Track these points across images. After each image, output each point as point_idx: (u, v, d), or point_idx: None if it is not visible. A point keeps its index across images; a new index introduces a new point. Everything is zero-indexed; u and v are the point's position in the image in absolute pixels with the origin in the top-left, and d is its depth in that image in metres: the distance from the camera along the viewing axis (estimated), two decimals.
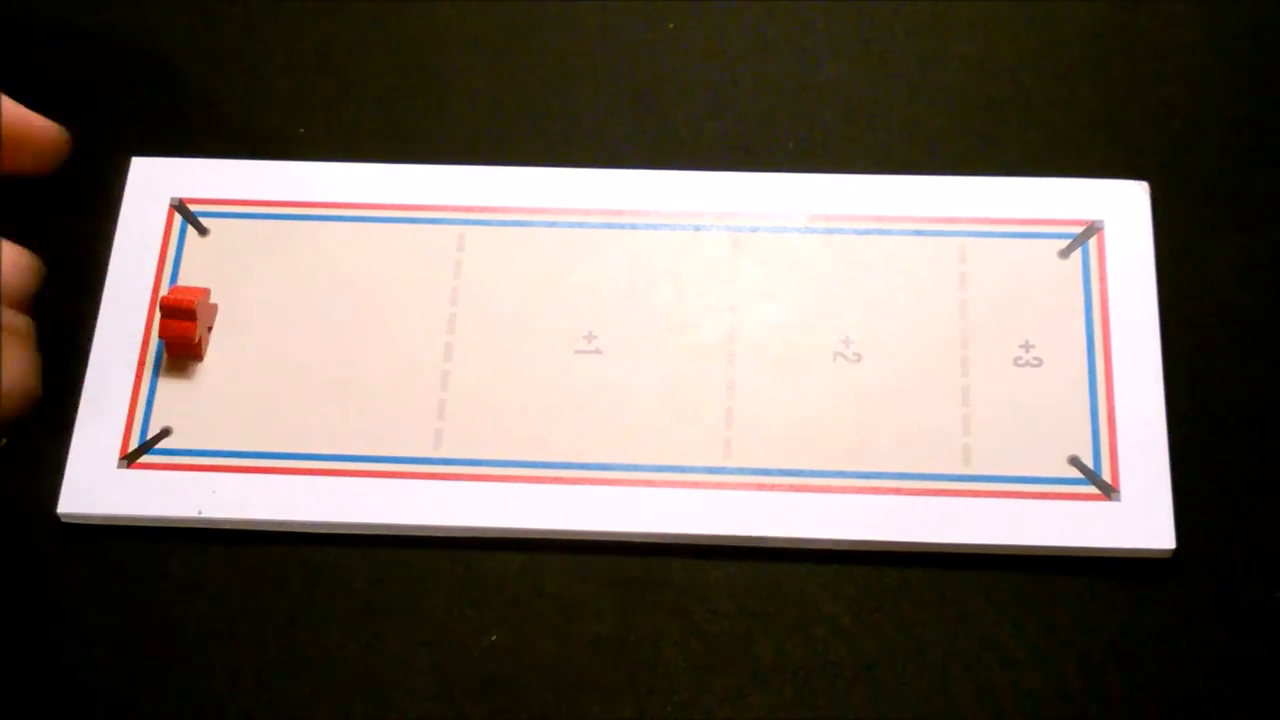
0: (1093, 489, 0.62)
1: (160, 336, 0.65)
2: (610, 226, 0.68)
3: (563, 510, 0.63)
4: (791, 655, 0.61)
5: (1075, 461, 0.63)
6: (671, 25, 0.73)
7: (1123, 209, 0.67)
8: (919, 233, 0.67)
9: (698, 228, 0.67)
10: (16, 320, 0.61)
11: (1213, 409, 0.64)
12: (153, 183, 0.69)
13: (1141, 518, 0.61)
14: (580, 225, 0.68)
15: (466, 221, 0.68)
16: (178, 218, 0.69)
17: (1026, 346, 0.64)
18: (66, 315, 0.67)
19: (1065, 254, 0.66)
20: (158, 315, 0.65)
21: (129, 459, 0.64)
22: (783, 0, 0.73)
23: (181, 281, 0.67)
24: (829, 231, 0.67)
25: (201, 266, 0.68)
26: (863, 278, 0.66)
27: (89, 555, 0.64)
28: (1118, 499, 0.62)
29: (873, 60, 0.71)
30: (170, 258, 0.68)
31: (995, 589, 0.62)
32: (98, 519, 0.64)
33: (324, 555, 0.64)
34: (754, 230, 0.67)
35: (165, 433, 0.65)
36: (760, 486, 0.63)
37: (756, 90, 0.71)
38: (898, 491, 0.62)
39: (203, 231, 0.68)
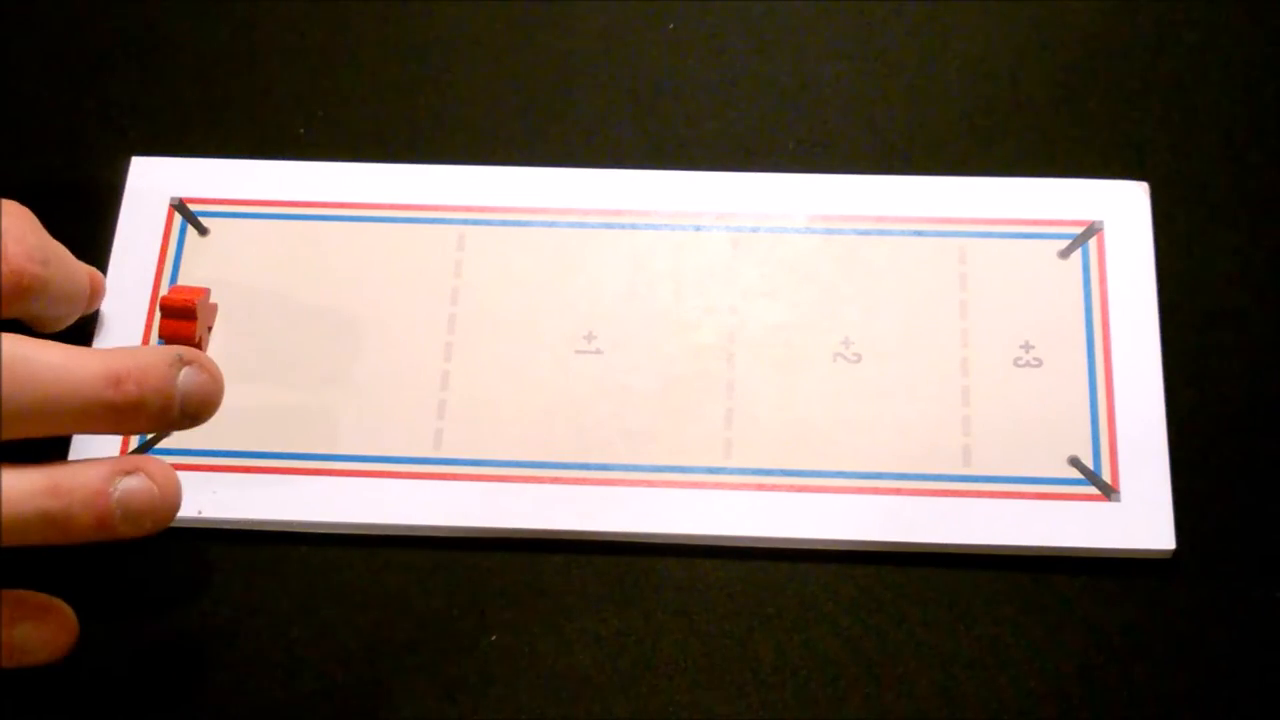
0: (1093, 489, 0.62)
1: (160, 336, 0.65)
2: (611, 227, 0.68)
3: (563, 510, 0.63)
4: (791, 655, 0.61)
5: (1075, 462, 0.63)
6: (671, 25, 0.73)
7: (1123, 210, 0.67)
8: (919, 233, 0.67)
9: (698, 228, 0.67)
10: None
11: (1212, 409, 0.64)
12: (153, 182, 0.69)
13: (1141, 518, 0.62)
14: (580, 225, 0.68)
15: (467, 221, 0.68)
16: (178, 217, 0.69)
17: (1026, 347, 0.64)
18: None
19: (1065, 254, 0.66)
20: (158, 315, 0.65)
21: None
22: (783, 0, 0.73)
23: (182, 281, 0.67)
24: (829, 232, 0.67)
25: (201, 266, 0.68)
26: (863, 278, 0.66)
27: (88, 554, 0.64)
28: (1117, 499, 0.62)
29: (873, 60, 0.71)
30: (170, 257, 0.68)
31: (995, 589, 0.62)
32: None
33: (324, 555, 0.64)
34: (754, 230, 0.67)
35: (165, 432, 0.65)
36: (760, 487, 0.63)
37: (756, 90, 0.71)
38: (898, 492, 0.62)
39: (203, 231, 0.68)
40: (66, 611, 0.58)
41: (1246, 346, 0.65)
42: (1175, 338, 0.65)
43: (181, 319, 0.64)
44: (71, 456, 0.64)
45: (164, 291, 0.66)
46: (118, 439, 0.65)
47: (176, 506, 0.56)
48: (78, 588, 0.63)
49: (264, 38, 0.73)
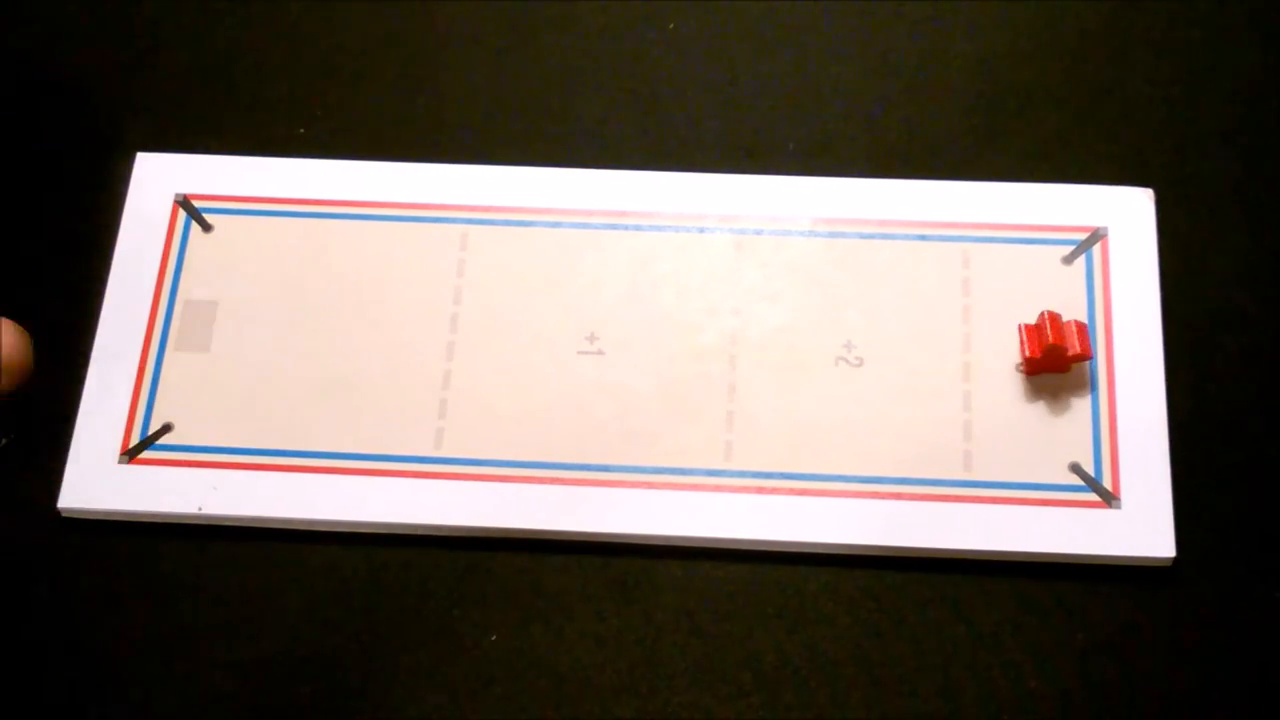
0: (1094, 496, 0.62)
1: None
2: (613, 227, 0.68)
3: (563, 510, 0.63)
4: (791, 655, 0.62)
5: (1076, 468, 0.63)
6: (672, 25, 0.73)
7: (1127, 216, 0.67)
8: (923, 237, 0.67)
9: (701, 230, 0.67)
10: None
11: (1214, 417, 0.64)
12: (157, 178, 0.69)
13: (1142, 526, 0.62)
14: (583, 226, 0.68)
15: (470, 221, 0.68)
16: (182, 214, 0.69)
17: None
18: (70, 310, 0.67)
19: (1069, 260, 0.66)
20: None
21: (130, 454, 0.64)
22: (783, 0, 0.73)
23: (185, 276, 0.67)
24: (832, 235, 0.67)
25: (205, 262, 0.68)
26: (866, 282, 0.66)
27: (89, 551, 0.64)
28: (1118, 506, 0.62)
29: (873, 61, 0.72)
30: (174, 253, 0.68)
31: (995, 593, 0.62)
32: (98, 514, 0.64)
33: (324, 553, 0.64)
34: (758, 233, 0.67)
35: (167, 428, 0.65)
36: (761, 490, 0.63)
37: (756, 90, 0.71)
38: (898, 496, 0.63)
39: (207, 228, 0.68)
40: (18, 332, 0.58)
41: (1249, 355, 0.65)
42: (1178, 345, 0.65)
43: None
44: (74, 447, 0.64)
45: (167, 287, 0.67)
46: (120, 428, 0.65)
47: (27, 362, 0.56)
48: (74, 585, 0.63)
49: (268, 36, 0.73)
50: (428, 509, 0.63)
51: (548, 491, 0.63)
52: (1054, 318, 0.63)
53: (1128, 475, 0.62)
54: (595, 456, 0.64)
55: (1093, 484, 0.62)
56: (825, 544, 0.62)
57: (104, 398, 0.65)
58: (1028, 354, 0.63)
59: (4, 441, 0.65)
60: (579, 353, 0.66)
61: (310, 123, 0.71)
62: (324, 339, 0.66)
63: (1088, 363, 0.64)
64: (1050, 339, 0.63)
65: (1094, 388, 0.64)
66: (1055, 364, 0.63)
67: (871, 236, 0.67)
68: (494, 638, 0.62)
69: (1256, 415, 0.64)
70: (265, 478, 0.64)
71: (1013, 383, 0.64)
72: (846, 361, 0.65)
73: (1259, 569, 0.62)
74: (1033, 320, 0.64)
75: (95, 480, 0.64)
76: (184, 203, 0.69)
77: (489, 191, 0.68)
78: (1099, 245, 0.66)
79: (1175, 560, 0.61)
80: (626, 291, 0.67)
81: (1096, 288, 0.65)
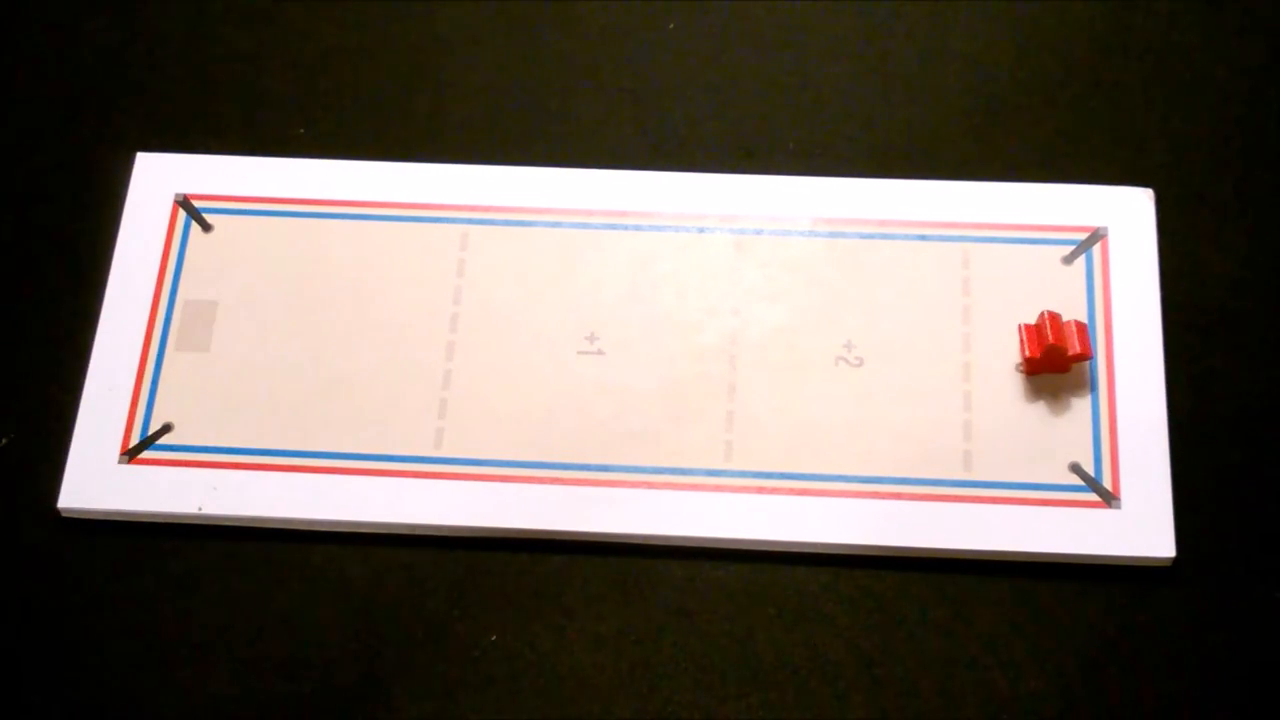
0: (1094, 496, 0.62)
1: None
2: (614, 227, 0.68)
3: (562, 510, 0.63)
4: (791, 655, 0.62)
5: (1076, 468, 0.63)
6: (671, 25, 0.73)
7: (1127, 216, 0.67)
8: (923, 237, 0.67)
9: (701, 230, 0.67)
10: None
11: (1214, 417, 0.64)
12: (157, 178, 0.69)
13: (1142, 526, 0.62)
14: (584, 226, 0.68)
15: (470, 221, 0.68)
16: (182, 213, 0.69)
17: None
18: (70, 310, 0.67)
19: (1069, 260, 0.66)
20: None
21: (130, 454, 0.64)
22: (783, 0, 0.73)
23: (185, 276, 0.67)
24: (832, 235, 0.67)
25: (205, 262, 0.68)
26: (866, 282, 0.66)
27: (89, 550, 0.64)
28: (1118, 506, 0.62)
29: (872, 61, 0.72)
30: (174, 253, 0.68)
31: (995, 592, 0.62)
32: (98, 514, 0.64)
33: (324, 553, 0.64)
34: (758, 233, 0.67)
35: (166, 429, 0.65)
36: (761, 490, 0.63)
37: (756, 90, 0.71)
38: (898, 496, 0.63)
39: (206, 228, 0.68)
40: None
41: (1249, 354, 0.65)
42: (1178, 345, 0.65)
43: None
44: (74, 447, 0.64)
45: (167, 287, 0.67)
46: (120, 428, 0.65)
47: None
48: (74, 585, 0.63)
49: (268, 36, 0.73)
50: (428, 509, 0.63)
51: (548, 491, 0.63)
52: (1054, 318, 0.63)
53: (1128, 475, 0.62)
54: (595, 456, 0.64)
55: (1093, 484, 0.62)
56: (825, 544, 0.62)
57: (104, 398, 0.65)
58: (1028, 354, 0.63)
59: (4, 441, 0.65)
60: (579, 353, 0.66)
61: (310, 123, 0.71)
62: (324, 339, 0.66)
63: (1088, 363, 0.64)
64: (1050, 339, 0.63)
65: (1094, 388, 0.64)
66: (1055, 364, 0.64)
67: (871, 236, 0.67)
68: (494, 638, 0.62)
69: (1256, 415, 0.64)
70: (265, 478, 0.64)
71: (1013, 383, 0.64)
72: (846, 361, 0.65)
73: (1259, 569, 0.62)
74: (1033, 320, 0.64)
75: (95, 480, 0.64)
76: (184, 203, 0.69)
77: (489, 191, 0.68)
78: (1099, 245, 0.66)
79: (1175, 560, 0.61)
80: (626, 291, 0.67)
81: (1096, 288, 0.65)
